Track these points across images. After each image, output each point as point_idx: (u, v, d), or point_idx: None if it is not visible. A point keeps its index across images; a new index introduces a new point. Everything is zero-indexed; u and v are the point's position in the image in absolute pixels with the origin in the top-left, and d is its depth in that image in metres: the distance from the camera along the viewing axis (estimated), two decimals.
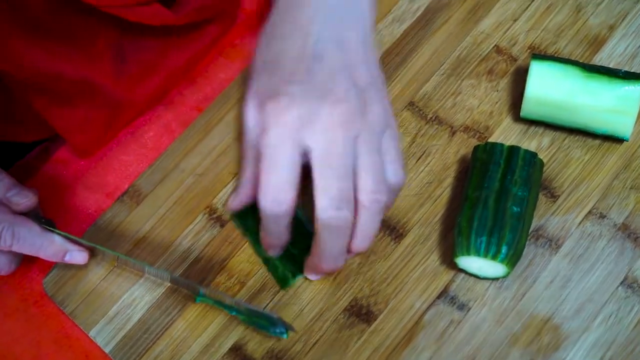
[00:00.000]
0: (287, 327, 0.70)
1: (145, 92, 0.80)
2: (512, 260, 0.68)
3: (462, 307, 0.71)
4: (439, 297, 0.71)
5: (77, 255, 0.73)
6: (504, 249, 0.67)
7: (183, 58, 0.81)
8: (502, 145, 0.71)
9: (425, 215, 0.74)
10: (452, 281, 0.72)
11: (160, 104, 0.82)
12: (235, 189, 0.70)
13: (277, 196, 0.64)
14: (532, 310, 0.70)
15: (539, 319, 0.69)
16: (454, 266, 0.72)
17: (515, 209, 0.68)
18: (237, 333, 0.72)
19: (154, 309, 0.74)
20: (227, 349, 0.71)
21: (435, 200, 0.75)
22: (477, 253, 0.67)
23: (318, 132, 0.63)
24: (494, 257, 0.67)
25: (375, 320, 0.71)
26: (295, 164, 0.64)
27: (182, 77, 0.82)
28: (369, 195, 0.65)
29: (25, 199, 0.72)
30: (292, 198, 0.65)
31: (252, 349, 0.71)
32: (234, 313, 0.71)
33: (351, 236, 0.66)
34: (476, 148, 0.72)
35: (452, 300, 0.71)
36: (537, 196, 0.71)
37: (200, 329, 0.72)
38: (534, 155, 0.71)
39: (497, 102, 0.78)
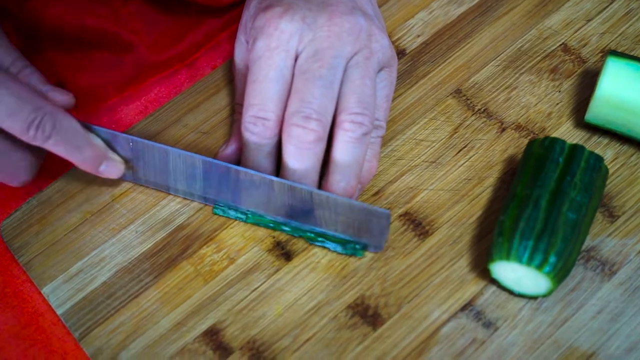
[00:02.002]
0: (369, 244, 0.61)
1: (170, 56, 0.71)
2: (559, 275, 0.56)
3: (489, 325, 0.59)
4: (462, 309, 0.59)
5: (114, 167, 0.62)
6: (552, 259, 0.55)
7: (216, 24, 0.71)
8: (563, 141, 0.60)
9: (458, 215, 0.63)
10: (480, 293, 0.60)
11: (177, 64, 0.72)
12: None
13: (260, 109, 0.58)
14: (573, 342, 0.58)
15: (580, 353, 0.57)
16: (485, 276, 0.60)
17: (571, 215, 0.57)
18: (218, 314, 0.60)
19: (124, 273, 0.62)
20: (200, 332, 0.59)
21: (473, 199, 0.64)
22: (519, 259, 0.56)
23: (311, 39, 0.59)
24: (538, 267, 0.55)
25: (382, 324, 0.59)
26: (284, 77, 0.59)
27: (207, 43, 0.72)
28: (350, 115, 0.58)
29: (63, 96, 0.62)
30: (277, 116, 0.57)
31: (231, 335, 0.59)
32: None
33: (327, 171, 0.60)
34: (532, 142, 0.61)
35: (478, 315, 0.59)
36: (596, 208, 0.60)
37: (174, 303, 0.61)
38: (600, 159, 0.59)
39: (558, 104, 0.67)
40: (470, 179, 0.65)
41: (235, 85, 0.67)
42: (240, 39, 0.65)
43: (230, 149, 0.64)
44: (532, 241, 0.56)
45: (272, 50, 0.58)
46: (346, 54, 0.59)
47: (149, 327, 0.60)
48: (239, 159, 0.64)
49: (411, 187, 0.64)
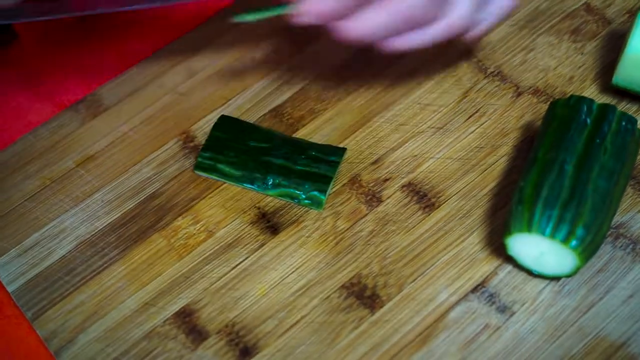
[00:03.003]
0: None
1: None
2: (588, 250, 0.48)
3: (504, 309, 0.51)
4: (473, 291, 0.52)
5: None
6: (579, 232, 0.48)
7: None
8: (591, 100, 0.53)
9: (468, 186, 0.55)
10: (493, 274, 0.52)
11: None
12: None
13: None
14: (600, 330, 0.50)
15: (608, 343, 0.50)
16: (499, 254, 0.53)
17: (601, 182, 0.49)
18: (192, 293, 0.52)
19: (86, 246, 0.54)
20: (172, 313, 0.52)
21: (485, 169, 0.56)
22: (542, 231, 0.48)
23: None
24: (564, 241, 0.48)
25: (381, 307, 0.51)
26: None
27: None
28: None
29: None
30: None
31: (207, 317, 0.51)
32: None
33: None
34: (555, 103, 0.54)
35: (491, 298, 0.51)
36: (629, 177, 0.52)
37: (142, 281, 0.53)
38: (633, 121, 0.52)
39: (580, 67, 0.60)
40: (482, 147, 0.57)
41: None
42: None
43: None
44: (557, 210, 0.48)
45: None
46: None
47: (113, 307, 0.52)
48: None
49: (415, 156, 0.57)
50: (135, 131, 0.58)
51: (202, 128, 0.58)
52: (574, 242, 0.48)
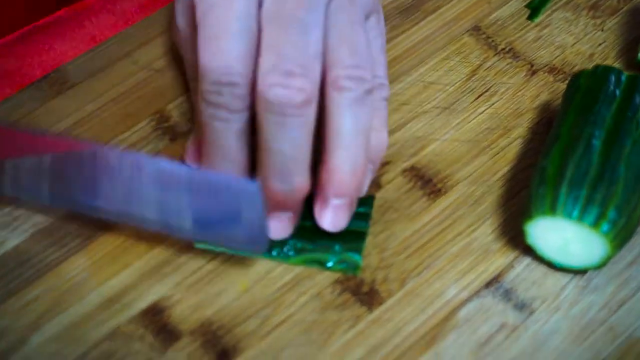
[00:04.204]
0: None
1: None
2: (620, 236, 0.42)
3: (522, 307, 0.44)
4: (486, 286, 0.45)
5: None
6: (611, 214, 0.41)
7: None
8: (620, 71, 0.47)
9: (479, 171, 0.49)
10: (509, 267, 0.46)
11: None
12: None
13: (223, 73, 0.43)
14: (634, 330, 0.43)
15: None
16: (515, 245, 0.46)
17: (635, 159, 0.43)
18: (163, 288, 0.45)
19: (43, 236, 0.47)
20: (139, 310, 0.45)
21: (497, 152, 0.50)
22: (568, 214, 0.41)
23: None
24: (594, 224, 0.41)
25: (380, 304, 0.45)
26: (250, 28, 0.43)
27: None
28: (345, 70, 0.43)
29: None
30: (248, 79, 0.43)
31: (179, 315, 0.44)
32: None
33: (324, 152, 0.44)
34: (578, 74, 0.48)
35: (507, 294, 0.45)
36: None
37: (106, 274, 0.46)
38: None
39: (600, 44, 0.54)
40: (493, 129, 0.51)
41: (183, 56, 0.50)
42: None
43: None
44: (585, 190, 0.42)
45: None
46: None
47: (72, 303, 0.45)
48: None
49: (419, 137, 0.50)
50: (105, 110, 0.52)
51: (179, 107, 0.52)
52: (605, 227, 0.41)
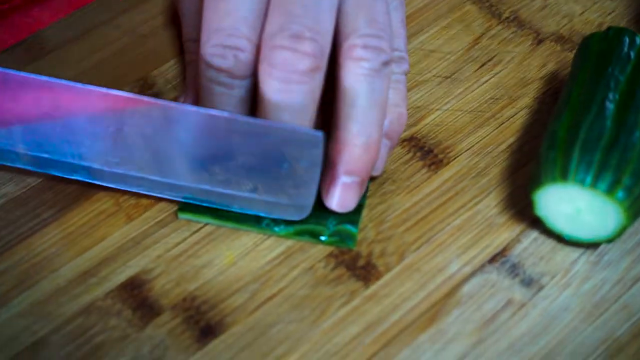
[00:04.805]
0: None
1: None
2: (636, 204, 0.39)
3: (530, 282, 0.41)
4: (491, 260, 0.42)
5: None
6: (627, 180, 0.38)
7: None
8: (634, 33, 0.44)
9: (483, 141, 0.46)
10: (516, 240, 0.43)
11: None
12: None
13: (229, 35, 0.40)
14: None
15: None
16: (521, 218, 0.43)
17: None
18: (143, 261, 0.42)
19: (15, 206, 0.44)
20: (116, 284, 0.41)
21: (502, 123, 0.47)
22: (580, 180, 0.38)
23: None
24: (608, 191, 0.38)
25: (378, 279, 0.41)
26: None
27: None
28: (362, 38, 0.40)
29: None
30: (253, 44, 0.40)
31: (160, 290, 0.41)
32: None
33: (335, 124, 0.41)
34: (589, 37, 0.45)
35: (514, 269, 0.42)
36: None
37: (81, 246, 0.43)
38: None
39: (610, 13, 0.51)
40: (497, 99, 0.48)
41: (181, 16, 0.48)
42: None
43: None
44: (599, 155, 0.39)
45: None
46: None
47: (43, 276, 0.42)
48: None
49: (418, 107, 0.47)
50: (85, 75, 0.49)
51: (164, 73, 0.49)
52: (620, 193, 0.38)
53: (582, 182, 0.38)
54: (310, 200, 0.41)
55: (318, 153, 0.40)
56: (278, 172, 0.41)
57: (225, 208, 0.42)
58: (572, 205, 0.40)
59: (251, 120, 0.40)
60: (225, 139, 0.40)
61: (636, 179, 0.38)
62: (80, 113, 0.41)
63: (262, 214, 0.42)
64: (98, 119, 0.41)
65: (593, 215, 0.40)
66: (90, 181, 0.43)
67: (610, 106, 0.40)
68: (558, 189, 0.39)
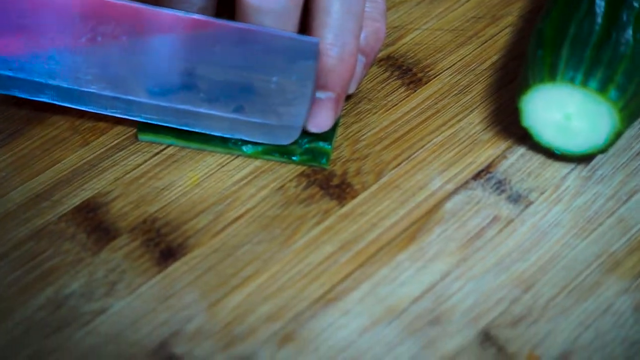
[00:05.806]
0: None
1: None
2: (631, 106, 0.36)
3: (517, 198, 0.38)
4: (475, 177, 0.39)
5: None
6: (620, 78, 0.35)
7: None
8: None
9: (465, 59, 0.43)
10: (502, 157, 0.40)
11: None
12: None
13: None
14: None
15: None
16: (507, 134, 0.40)
17: None
18: (100, 184, 0.39)
19: None
20: (70, 207, 0.38)
21: (486, 41, 0.44)
22: (570, 78, 0.36)
23: None
24: (601, 89, 0.35)
25: (353, 198, 0.38)
26: None
27: None
28: None
29: None
30: None
31: (118, 212, 0.38)
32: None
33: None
34: None
35: (500, 185, 0.39)
36: None
37: (33, 170, 0.39)
38: None
39: None
40: (480, 18, 0.45)
41: None
42: None
43: None
44: (590, 51, 0.36)
45: None
46: None
47: None
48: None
49: (395, 27, 0.45)
50: None
51: None
52: (613, 92, 0.35)
53: (572, 81, 0.36)
54: (299, 122, 0.38)
55: (312, 65, 0.37)
56: (266, 87, 0.37)
57: (199, 130, 0.39)
58: (562, 110, 0.37)
59: (237, 24, 0.37)
60: (206, 49, 0.37)
61: (629, 78, 0.36)
62: (50, 23, 0.38)
63: (245, 138, 0.39)
64: (69, 28, 0.38)
65: (584, 121, 0.37)
66: (55, 102, 0.40)
67: (601, 3, 0.37)
68: (546, 92, 0.36)
